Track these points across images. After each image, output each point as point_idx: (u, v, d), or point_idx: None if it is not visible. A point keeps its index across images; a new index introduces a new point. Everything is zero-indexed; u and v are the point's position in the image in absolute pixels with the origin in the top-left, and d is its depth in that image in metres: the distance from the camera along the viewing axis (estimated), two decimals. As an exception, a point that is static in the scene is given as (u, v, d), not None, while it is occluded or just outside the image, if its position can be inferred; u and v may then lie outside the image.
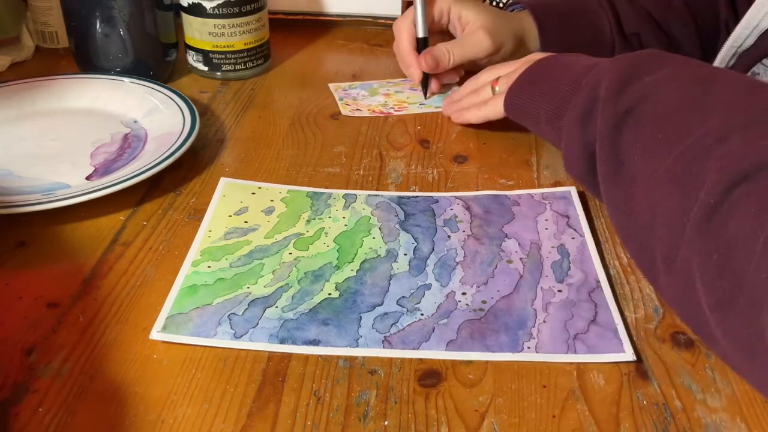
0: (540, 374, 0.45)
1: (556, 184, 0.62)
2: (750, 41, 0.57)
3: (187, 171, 0.64)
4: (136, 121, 0.70)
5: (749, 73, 0.57)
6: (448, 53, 0.75)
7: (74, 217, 0.57)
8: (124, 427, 0.41)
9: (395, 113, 0.75)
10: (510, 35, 0.76)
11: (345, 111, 0.75)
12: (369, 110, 0.75)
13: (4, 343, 0.46)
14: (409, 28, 0.76)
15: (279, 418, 0.42)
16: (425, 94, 0.77)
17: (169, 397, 0.43)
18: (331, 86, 0.80)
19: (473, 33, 0.75)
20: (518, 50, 0.76)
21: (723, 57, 0.60)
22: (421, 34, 0.77)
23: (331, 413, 0.42)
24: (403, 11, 0.94)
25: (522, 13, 0.78)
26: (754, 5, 0.56)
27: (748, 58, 0.58)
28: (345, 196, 0.60)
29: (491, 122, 0.72)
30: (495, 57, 0.76)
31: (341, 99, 0.77)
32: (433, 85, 0.77)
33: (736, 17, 0.68)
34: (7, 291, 0.50)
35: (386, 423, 0.42)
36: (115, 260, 0.53)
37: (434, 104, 0.76)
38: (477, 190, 0.61)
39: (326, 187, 0.61)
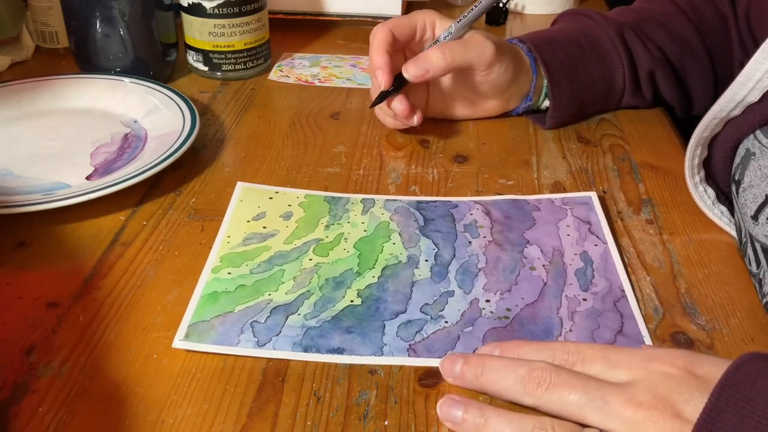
0: (540, 374, 0.44)
1: (556, 184, 0.62)
2: (737, 111, 0.53)
3: (187, 171, 0.64)
4: (136, 121, 0.70)
5: (743, 149, 0.53)
6: (444, 54, 0.63)
7: (74, 217, 0.57)
8: (124, 427, 0.41)
9: (318, 84, 0.79)
10: (509, 54, 0.67)
11: (272, 76, 0.79)
12: (296, 78, 0.78)
13: (4, 343, 0.46)
14: (387, 32, 0.65)
15: (279, 418, 0.42)
16: (374, 103, 0.66)
17: (169, 397, 0.43)
18: (284, 55, 0.85)
19: (471, 37, 0.66)
20: (516, 78, 0.68)
21: (707, 125, 0.54)
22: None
23: (331, 413, 0.42)
24: (403, 11, 0.94)
25: (519, 48, 0.69)
26: (740, 77, 0.51)
27: (737, 126, 0.53)
28: (363, 200, 0.59)
29: (491, 122, 0.72)
30: (492, 73, 0.66)
31: (279, 65, 0.82)
32: (405, 106, 0.65)
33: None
34: (7, 291, 0.50)
35: (386, 423, 0.42)
36: (115, 260, 0.53)
37: (358, 80, 0.79)
38: (477, 190, 0.61)
39: (326, 187, 0.61)
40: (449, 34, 0.66)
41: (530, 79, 0.69)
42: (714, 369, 0.38)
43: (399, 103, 0.65)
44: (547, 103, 0.70)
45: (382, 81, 0.64)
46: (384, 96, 0.65)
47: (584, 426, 0.39)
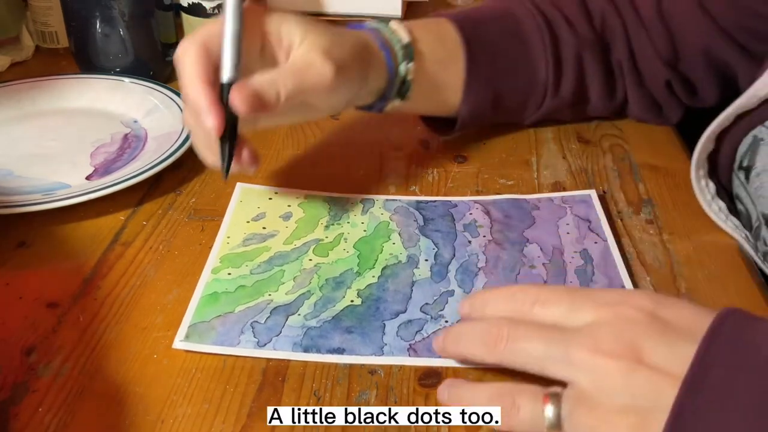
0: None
1: (556, 184, 0.62)
2: (753, 105, 0.53)
3: (187, 171, 0.64)
4: (136, 121, 0.70)
5: (750, 137, 0.54)
6: (276, 84, 0.49)
7: (74, 217, 0.57)
8: (124, 427, 0.41)
9: None
10: (352, 56, 0.54)
11: None
12: None
13: (4, 343, 0.46)
14: (198, 51, 0.49)
15: (279, 418, 0.42)
16: (226, 171, 0.51)
17: (169, 397, 0.43)
18: None
19: (305, 55, 0.51)
20: (365, 79, 0.56)
21: (723, 120, 0.55)
22: (228, 74, 0.49)
23: (331, 413, 0.42)
24: (403, 12, 0.94)
25: (362, 33, 0.59)
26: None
27: (750, 119, 0.54)
28: (362, 200, 0.59)
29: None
30: (333, 96, 0.53)
31: None
32: (245, 154, 0.51)
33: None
34: (7, 291, 0.50)
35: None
36: (115, 260, 0.53)
37: None
38: (477, 190, 0.61)
39: (326, 188, 0.61)
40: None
41: (385, 76, 0.58)
42: (681, 314, 0.37)
43: (250, 155, 0.52)
44: (409, 94, 0.60)
45: (212, 125, 0.48)
46: (231, 148, 0.50)
47: (548, 384, 0.39)
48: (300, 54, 0.51)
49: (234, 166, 0.51)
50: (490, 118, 0.67)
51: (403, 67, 0.59)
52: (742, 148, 0.54)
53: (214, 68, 0.50)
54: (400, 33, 0.59)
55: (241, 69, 0.50)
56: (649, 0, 0.65)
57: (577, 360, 0.37)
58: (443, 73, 0.62)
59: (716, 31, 0.61)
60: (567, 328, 0.39)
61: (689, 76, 0.66)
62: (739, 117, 0.54)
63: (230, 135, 0.49)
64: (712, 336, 0.35)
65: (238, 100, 0.47)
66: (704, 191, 0.58)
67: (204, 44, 0.50)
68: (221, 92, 0.49)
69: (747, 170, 0.53)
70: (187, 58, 0.49)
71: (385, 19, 0.61)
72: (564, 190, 0.62)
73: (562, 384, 0.39)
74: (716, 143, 0.57)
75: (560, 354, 0.38)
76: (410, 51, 0.59)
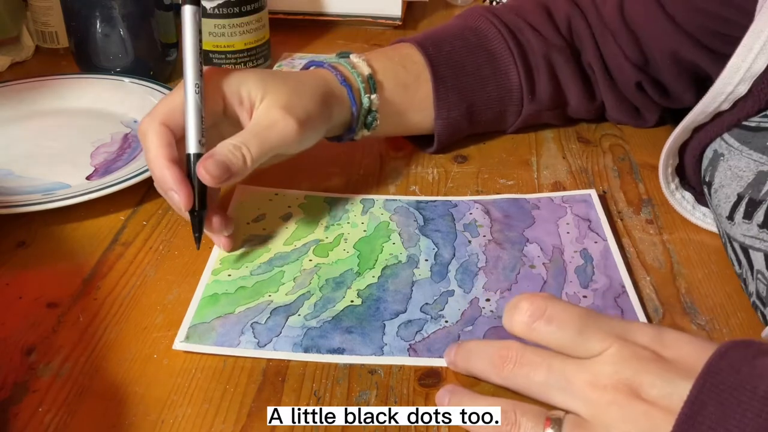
0: (540, 374, 0.45)
1: (556, 183, 0.62)
2: (706, 119, 0.53)
3: (187, 171, 0.64)
4: (136, 121, 0.70)
5: (710, 151, 0.53)
6: (240, 149, 0.50)
7: (74, 217, 0.57)
8: (124, 427, 0.41)
9: None
10: (314, 104, 0.55)
11: None
12: None
13: (4, 343, 0.46)
14: (159, 131, 0.51)
15: (279, 418, 0.42)
16: (198, 240, 0.51)
17: (169, 397, 0.43)
18: (284, 55, 0.86)
19: (267, 114, 0.52)
20: (329, 118, 0.57)
21: (678, 135, 0.54)
22: (193, 149, 0.51)
23: (331, 413, 0.42)
24: (403, 12, 0.94)
25: (321, 72, 0.59)
26: (713, 89, 0.51)
27: (706, 132, 0.53)
28: (362, 201, 0.59)
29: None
30: (300, 145, 0.55)
31: (279, 65, 0.82)
32: (216, 221, 0.52)
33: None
34: (7, 291, 0.50)
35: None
36: (115, 260, 0.53)
37: None
38: (477, 190, 0.61)
39: (326, 188, 0.61)
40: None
41: (349, 111, 0.59)
42: (683, 350, 0.38)
43: (222, 221, 0.53)
44: (376, 124, 0.61)
45: (182, 203, 0.50)
46: (200, 219, 0.51)
47: (551, 407, 0.39)
48: (261, 113, 0.53)
49: (207, 234, 0.53)
50: (469, 131, 0.67)
51: (366, 100, 0.60)
52: (705, 161, 0.54)
53: (179, 141, 0.51)
54: (360, 66, 0.60)
55: (206, 139, 0.51)
56: (612, 5, 0.66)
57: (576, 391, 0.38)
58: (410, 97, 0.63)
59: (680, 35, 0.60)
60: (572, 357, 0.39)
61: (660, 78, 0.65)
62: (697, 130, 0.54)
63: (199, 206, 0.51)
64: (708, 373, 0.36)
65: (204, 173, 0.49)
66: (681, 202, 0.58)
67: (164, 122, 0.51)
68: (187, 164, 0.51)
69: (709, 185, 0.52)
70: (149, 137, 0.51)
71: (345, 54, 0.62)
72: (564, 190, 0.62)
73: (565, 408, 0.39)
74: (680, 157, 0.57)
75: (562, 384, 0.39)
76: (372, 83, 0.60)
